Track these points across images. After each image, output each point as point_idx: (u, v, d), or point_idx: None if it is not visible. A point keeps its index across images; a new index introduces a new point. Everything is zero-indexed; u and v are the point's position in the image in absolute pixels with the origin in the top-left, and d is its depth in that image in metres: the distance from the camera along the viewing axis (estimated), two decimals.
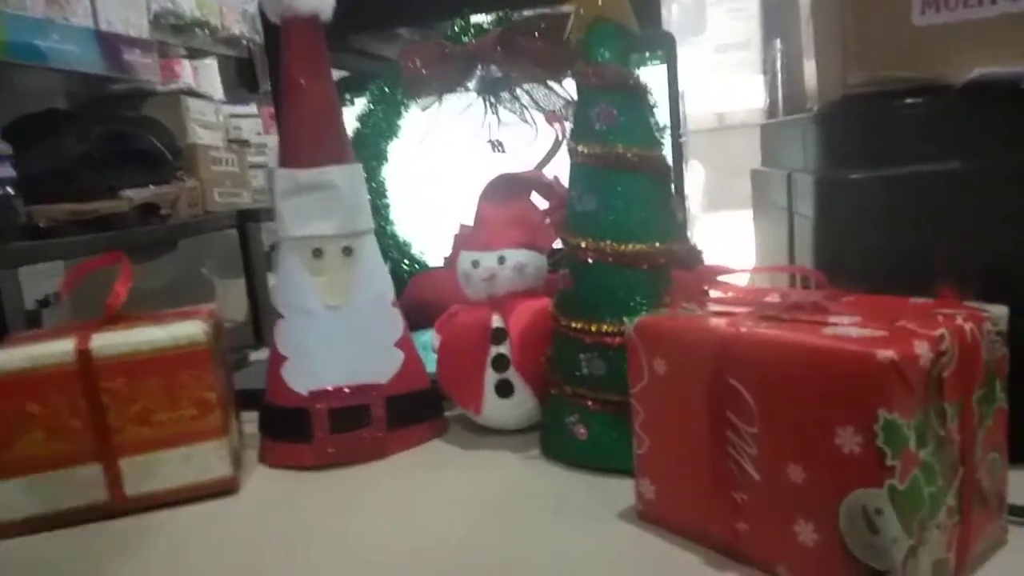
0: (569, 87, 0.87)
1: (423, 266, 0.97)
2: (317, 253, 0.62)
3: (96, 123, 1.45)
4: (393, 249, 0.95)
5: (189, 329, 0.57)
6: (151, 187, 1.72)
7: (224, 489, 0.58)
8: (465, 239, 0.66)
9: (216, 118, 1.89)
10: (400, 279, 0.93)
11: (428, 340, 0.69)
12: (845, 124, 0.54)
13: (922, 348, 0.36)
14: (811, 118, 0.58)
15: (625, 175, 0.53)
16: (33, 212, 1.22)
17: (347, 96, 1.00)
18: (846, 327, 0.39)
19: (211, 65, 2.00)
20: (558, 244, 0.63)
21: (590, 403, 0.56)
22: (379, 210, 0.95)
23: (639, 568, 0.44)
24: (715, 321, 0.43)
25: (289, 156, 0.62)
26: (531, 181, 0.66)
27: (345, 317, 0.63)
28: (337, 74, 1.08)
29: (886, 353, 0.35)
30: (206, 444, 0.57)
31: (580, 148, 0.54)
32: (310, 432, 0.62)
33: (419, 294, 0.90)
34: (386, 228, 0.95)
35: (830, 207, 0.51)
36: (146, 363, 0.56)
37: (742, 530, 0.42)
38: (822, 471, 0.38)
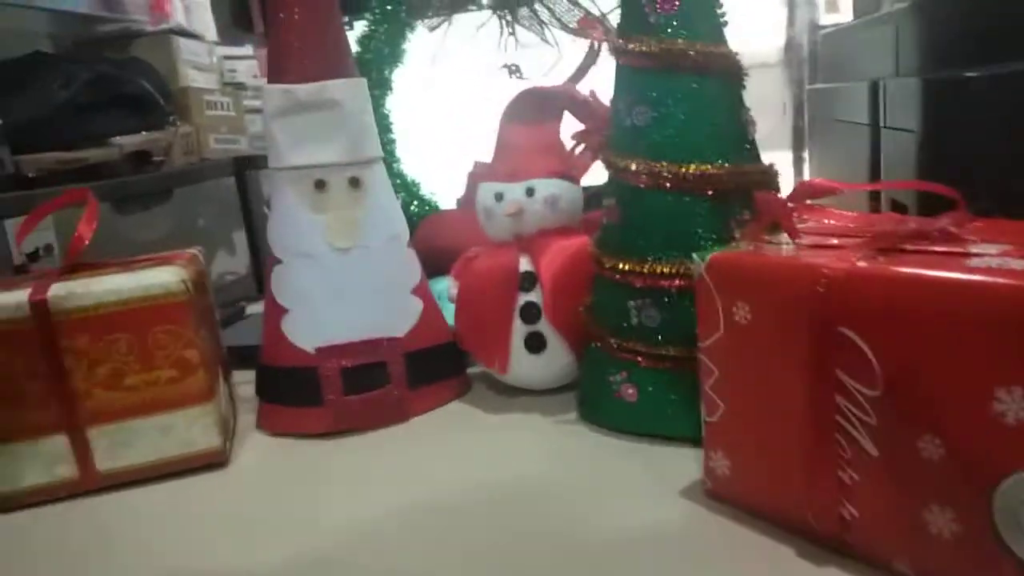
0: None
1: (434, 208, 0.87)
2: (320, 185, 0.52)
3: (82, 66, 1.36)
4: (400, 189, 0.85)
5: (164, 277, 0.48)
6: (142, 133, 1.62)
7: (211, 462, 0.50)
8: (486, 169, 0.56)
9: (210, 60, 1.78)
10: (408, 222, 0.84)
11: (443, 289, 0.60)
12: (955, 10, 0.43)
13: None
14: (907, 9, 0.47)
15: (687, 79, 0.43)
16: (21, 162, 1.16)
17: (345, 19, 0.89)
18: (998, 257, 0.30)
19: (203, 3, 1.89)
20: (594, 177, 0.54)
21: (640, 359, 0.47)
22: (384, 146, 0.85)
23: (712, 560, 0.36)
24: (817, 255, 0.34)
25: (281, 69, 0.52)
26: (563, 98, 0.56)
27: (355, 261, 0.53)
28: None
29: None
30: (188, 411, 0.49)
31: (631, 46, 0.44)
32: (320, 395, 0.53)
33: (430, 239, 0.81)
34: (392, 165, 0.85)
35: (942, 113, 0.41)
36: (114, 317, 0.47)
37: (850, 517, 0.34)
38: (971, 446, 0.29)
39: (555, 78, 0.62)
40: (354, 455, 0.51)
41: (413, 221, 0.84)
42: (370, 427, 0.53)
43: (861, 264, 0.32)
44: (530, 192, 0.53)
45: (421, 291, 0.56)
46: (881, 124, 0.50)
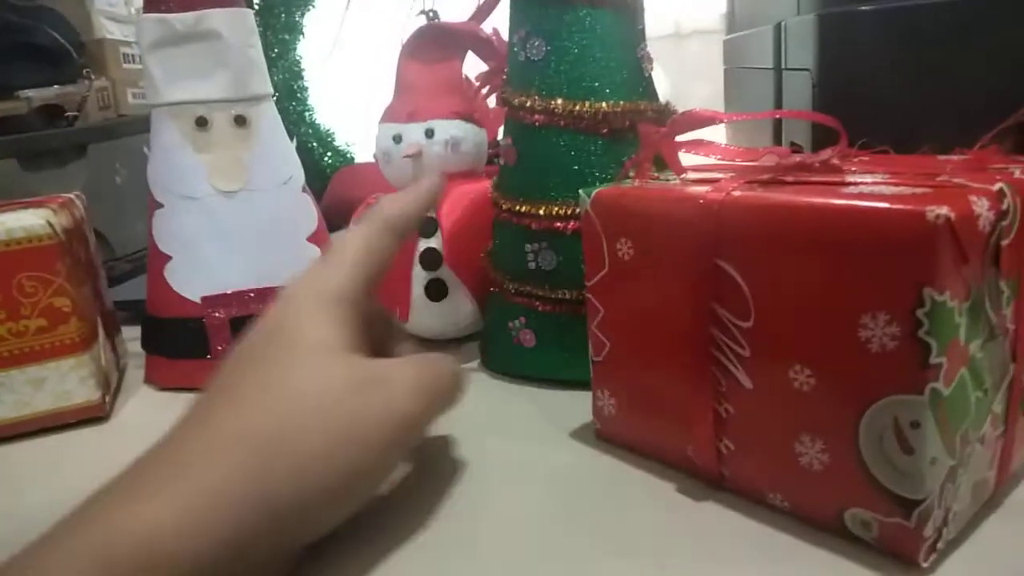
0: None
1: (349, 160, 0.84)
2: (201, 123, 0.49)
3: None
4: (313, 139, 0.82)
5: (28, 220, 0.45)
6: (54, 87, 1.53)
7: (89, 416, 0.48)
8: (384, 110, 0.54)
9: (127, 11, 1.69)
10: (322, 174, 0.81)
11: None
12: None
13: (980, 205, 0.27)
14: None
15: (581, 10, 0.42)
16: None
17: None
18: (873, 185, 0.29)
19: None
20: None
21: (538, 303, 0.46)
22: (295, 93, 0.81)
23: (597, 498, 0.35)
24: (697, 188, 0.33)
25: None
26: (465, 36, 0.54)
27: (242, 205, 0.51)
28: None
29: (938, 210, 0.25)
30: (61, 362, 0.46)
31: None
32: (207, 346, 0.51)
33: (344, 191, 0.79)
34: (304, 115, 0.82)
35: (835, 48, 0.41)
36: None
37: (726, 451, 0.33)
38: (838, 374, 0.29)
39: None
40: None
41: (327, 173, 0.81)
42: None
43: (736, 194, 0.31)
44: (429, 133, 0.51)
45: (318, 238, 0.53)
46: (782, 67, 0.49)
